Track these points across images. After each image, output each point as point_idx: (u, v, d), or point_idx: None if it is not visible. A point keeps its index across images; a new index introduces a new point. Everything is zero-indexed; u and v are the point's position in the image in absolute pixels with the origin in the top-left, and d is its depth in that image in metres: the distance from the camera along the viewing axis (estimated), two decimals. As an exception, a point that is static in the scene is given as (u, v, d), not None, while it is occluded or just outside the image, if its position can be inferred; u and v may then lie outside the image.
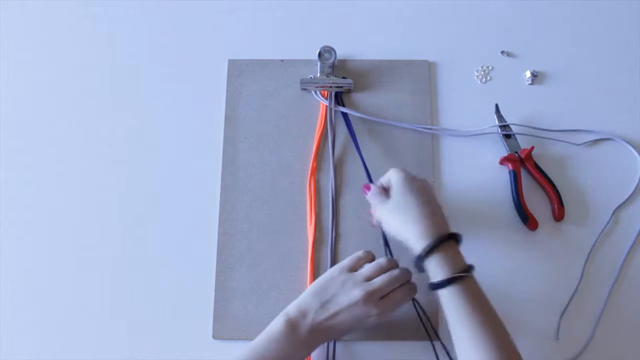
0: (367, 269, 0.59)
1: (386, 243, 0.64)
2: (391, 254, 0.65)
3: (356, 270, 0.59)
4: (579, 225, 0.69)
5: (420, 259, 0.55)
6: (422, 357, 0.63)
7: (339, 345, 0.64)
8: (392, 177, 0.61)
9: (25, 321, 0.66)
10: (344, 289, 0.57)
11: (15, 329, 0.66)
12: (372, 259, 0.60)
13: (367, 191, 0.63)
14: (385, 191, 0.62)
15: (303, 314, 0.56)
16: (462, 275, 0.54)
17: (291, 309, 0.57)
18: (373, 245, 0.65)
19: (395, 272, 0.58)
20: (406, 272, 0.59)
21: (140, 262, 0.68)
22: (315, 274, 0.66)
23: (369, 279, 0.57)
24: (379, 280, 0.57)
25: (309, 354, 0.57)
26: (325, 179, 0.70)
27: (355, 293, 0.56)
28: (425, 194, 0.59)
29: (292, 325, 0.55)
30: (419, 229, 0.56)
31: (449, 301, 0.54)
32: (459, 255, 0.56)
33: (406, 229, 0.57)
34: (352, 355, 0.63)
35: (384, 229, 0.61)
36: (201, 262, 0.67)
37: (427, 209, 0.57)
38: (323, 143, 0.72)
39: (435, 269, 0.54)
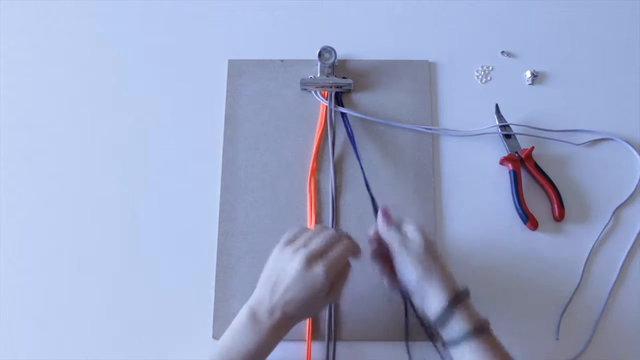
0: (302, 236, 0.57)
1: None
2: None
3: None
4: (579, 225, 0.69)
5: (447, 311, 0.54)
6: (422, 357, 0.63)
7: (339, 345, 0.64)
8: (411, 224, 0.59)
9: (25, 321, 0.66)
10: (285, 263, 0.55)
11: (15, 329, 0.66)
12: None
13: (385, 219, 0.59)
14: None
15: (260, 302, 0.55)
16: (485, 327, 0.54)
17: (251, 299, 0.56)
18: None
19: (329, 231, 0.57)
20: (342, 232, 0.58)
21: (141, 262, 0.68)
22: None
23: (306, 245, 0.56)
24: (314, 241, 0.56)
25: (278, 340, 0.56)
26: (325, 179, 0.70)
27: (295, 261, 0.54)
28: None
29: (253, 314, 0.54)
30: (443, 281, 0.55)
31: (472, 354, 0.52)
32: (475, 310, 0.55)
33: (430, 278, 0.55)
34: (352, 355, 0.63)
35: (402, 272, 0.57)
36: (201, 262, 0.67)
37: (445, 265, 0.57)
38: (323, 143, 0.72)
39: (459, 322, 0.53)
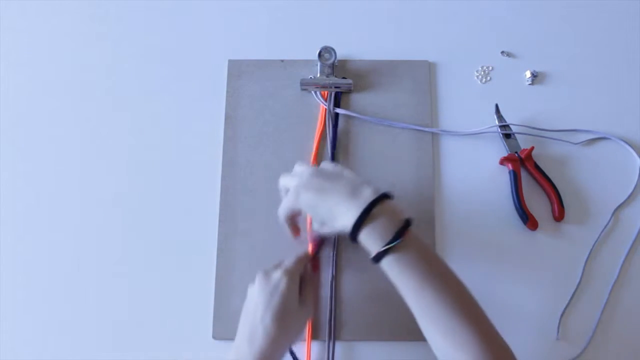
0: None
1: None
2: None
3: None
4: (579, 225, 0.69)
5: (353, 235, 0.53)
6: (422, 357, 0.63)
7: (338, 345, 0.64)
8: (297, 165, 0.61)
9: (24, 320, 0.66)
10: (249, 296, 0.57)
11: (15, 329, 0.66)
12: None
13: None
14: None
15: (238, 346, 0.55)
16: (396, 243, 0.51)
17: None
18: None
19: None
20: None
21: (141, 263, 0.68)
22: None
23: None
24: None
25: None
26: (325, 179, 0.70)
27: (255, 282, 0.56)
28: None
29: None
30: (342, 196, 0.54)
31: (392, 272, 0.51)
32: (393, 217, 0.53)
33: (325, 198, 0.55)
34: (352, 355, 0.63)
35: (307, 209, 0.57)
36: (201, 262, 0.67)
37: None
38: (323, 143, 0.72)
39: (369, 243, 0.52)
